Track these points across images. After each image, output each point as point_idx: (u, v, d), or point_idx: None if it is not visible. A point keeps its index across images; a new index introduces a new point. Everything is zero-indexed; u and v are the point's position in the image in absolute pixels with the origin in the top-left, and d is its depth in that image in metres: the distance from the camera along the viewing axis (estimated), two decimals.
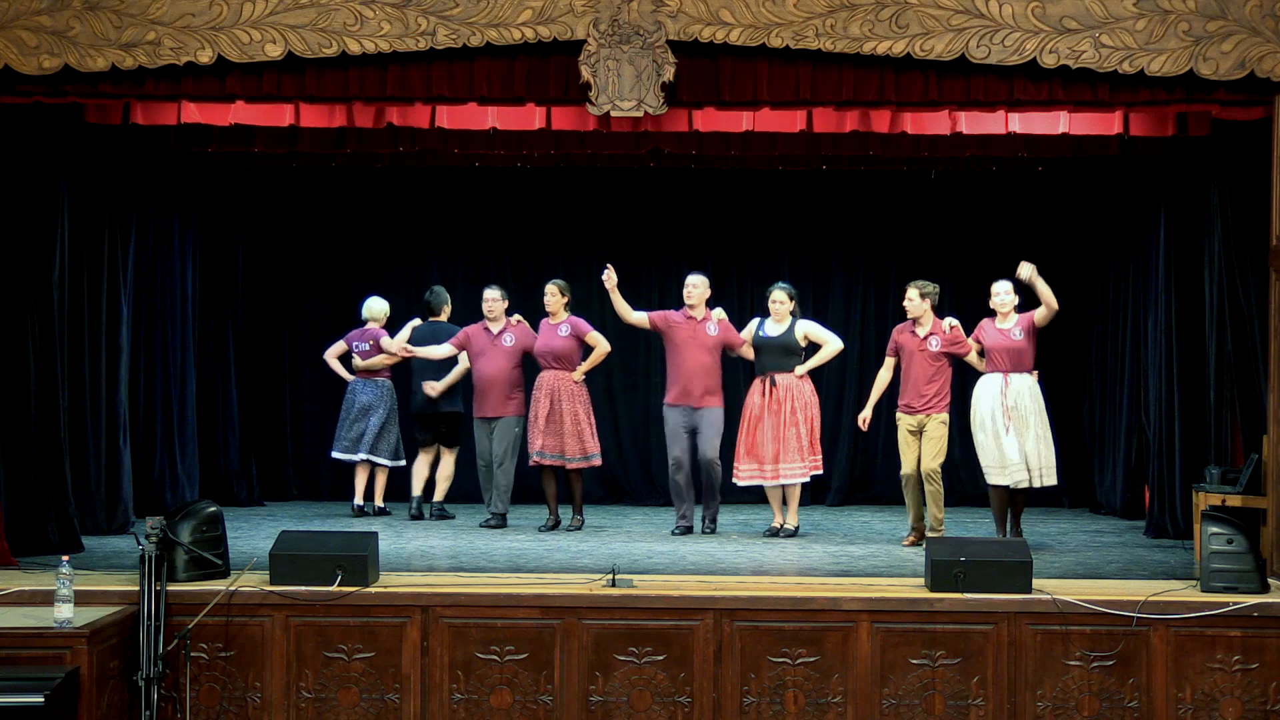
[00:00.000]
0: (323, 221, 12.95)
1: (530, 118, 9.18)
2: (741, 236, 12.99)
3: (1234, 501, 8.90)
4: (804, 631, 7.36)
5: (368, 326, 11.76)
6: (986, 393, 9.51)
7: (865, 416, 10.05)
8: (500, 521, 10.61)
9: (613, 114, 8.38)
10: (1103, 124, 9.21)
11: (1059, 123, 9.20)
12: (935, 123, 9.38)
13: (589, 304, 12.04)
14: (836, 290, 12.99)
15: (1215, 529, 7.57)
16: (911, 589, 7.62)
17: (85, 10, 8.22)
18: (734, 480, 10.24)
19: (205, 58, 8.25)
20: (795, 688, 7.35)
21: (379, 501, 11.65)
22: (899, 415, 9.79)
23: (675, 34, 8.27)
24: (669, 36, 8.27)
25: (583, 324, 10.69)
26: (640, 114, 8.39)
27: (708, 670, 7.36)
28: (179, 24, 8.24)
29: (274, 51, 8.25)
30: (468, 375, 11.07)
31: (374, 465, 11.62)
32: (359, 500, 11.63)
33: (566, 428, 10.45)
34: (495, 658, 7.39)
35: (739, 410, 10.36)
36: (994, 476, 9.49)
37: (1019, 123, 9.23)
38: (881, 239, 12.95)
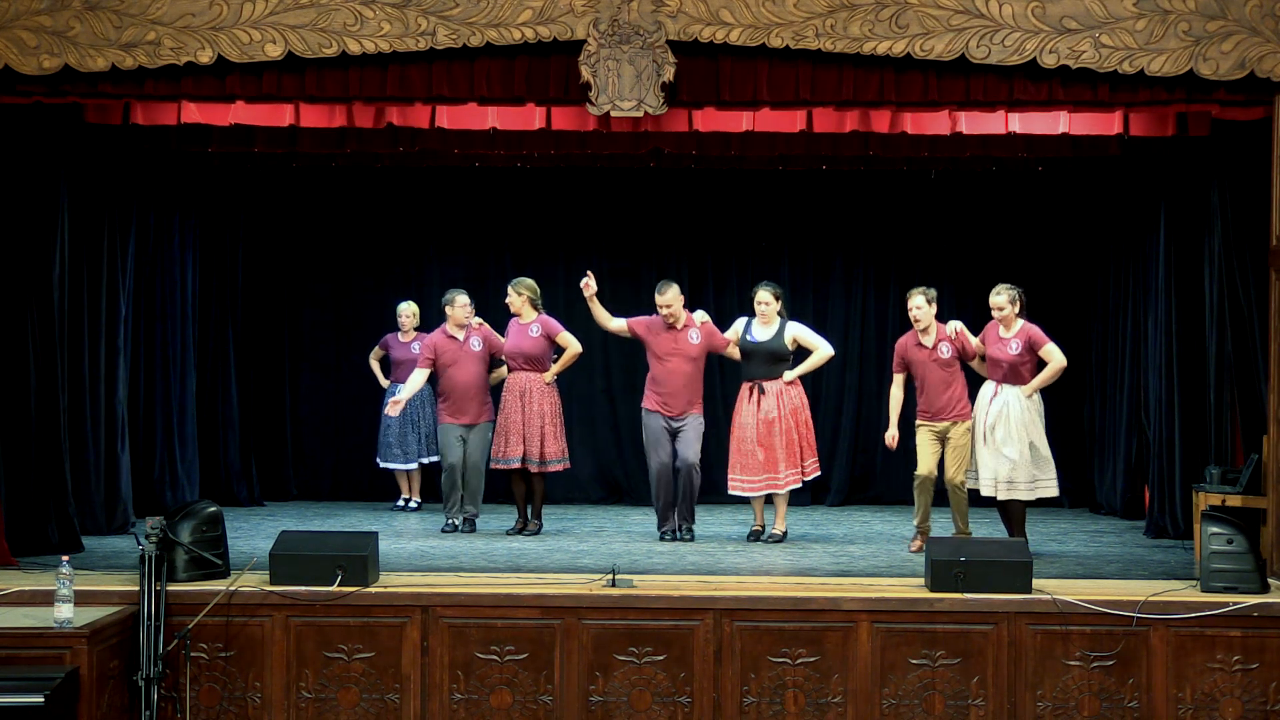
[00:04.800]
0: (323, 222, 12.94)
1: (530, 118, 9.17)
2: (742, 237, 12.98)
3: (1234, 501, 8.89)
4: (804, 631, 7.37)
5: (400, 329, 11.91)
6: (980, 401, 9.38)
7: (893, 435, 9.63)
8: (471, 526, 10.42)
9: (613, 114, 8.37)
10: (1103, 124, 9.20)
11: (1059, 123, 9.19)
12: (935, 123, 9.37)
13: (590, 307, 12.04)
14: (836, 290, 12.98)
15: (1215, 529, 7.58)
16: (911, 589, 7.63)
17: (85, 10, 8.22)
18: (730, 490, 9.95)
19: (205, 58, 8.25)
20: (795, 688, 7.35)
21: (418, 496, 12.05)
22: (921, 423, 9.47)
23: (675, 34, 8.27)
24: (669, 36, 8.27)
25: (553, 323, 10.42)
26: (640, 114, 8.39)
27: (708, 670, 7.36)
28: (179, 24, 8.24)
29: (274, 51, 8.25)
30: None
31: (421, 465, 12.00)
32: (416, 500, 11.99)
33: (532, 431, 10.23)
34: (495, 658, 7.39)
35: (724, 416, 10.04)
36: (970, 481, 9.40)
37: (1019, 123, 9.21)
38: (881, 239, 12.94)
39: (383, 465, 12.06)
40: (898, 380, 9.68)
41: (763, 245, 12.85)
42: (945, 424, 9.39)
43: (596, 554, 9.25)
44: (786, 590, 7.63)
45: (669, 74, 8.29)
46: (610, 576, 7.66)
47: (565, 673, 7.38)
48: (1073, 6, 8.19)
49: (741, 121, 9.22)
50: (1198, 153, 9.75)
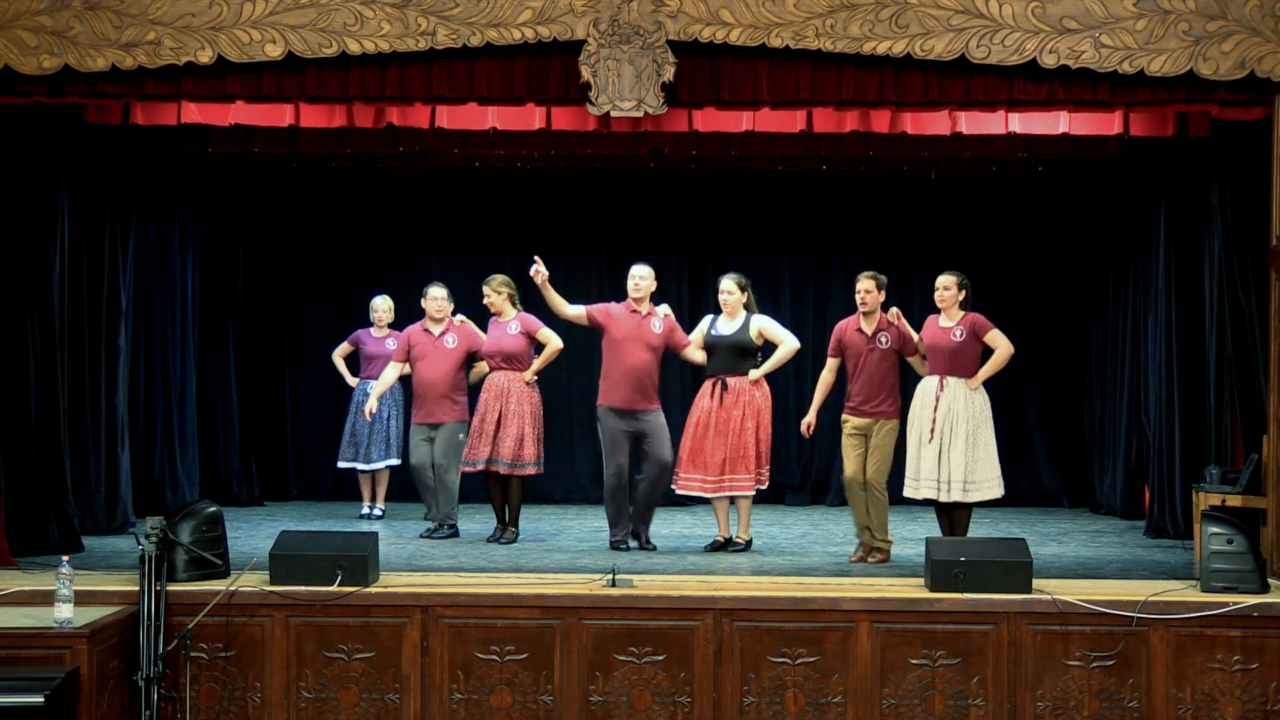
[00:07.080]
0: (323, 221, 12.95)
1: (530, 118, 9.18)
2: (741, 236, 12.98)
3: (1234, 501, 8.90)
4: (804, 631, 7.36)
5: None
6: (920, 397, 8.98)
7: (809, 422, 9.31)
8: (453, 531, 10.10)
9: (613, 114, 8.37)
10: (1103, 124, 9.20)
11: (1059, 123, 9.19)
12: (935, 123, 9.38)
13: (589, 302, 12.02)
14: (837, 291, 12.96)
15: (1215, 529, 7.58)
16: (911, 589, 7.62)
17: (85, 10, 8.23)
18: (673, 487, 9.55)
19: (205, 58, 8.25)
20: (795, 688, 7.35)
21: (382, 504, 11.67)
22: (845, 417, 9.12)
23: (675, 34, 8.27)
24: (669, 36, 8.27)
25: (533, 320, 10.06)
26: (640, 114, 8.38)
27: (708, 670, 7.36)
28: (179, 24, 8.24)
29: (274, 51, 8.26)
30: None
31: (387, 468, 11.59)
32: (380, 509, 11.57)
33: (507, 431, 9.78)
34: (495, 658, 7.39)
35: (681, 413, 9.81)
36: (906, 487, 8.98)
37: (1019, 123, 9.22)
38: (881, 239, 12.94)
39: (340, 465, 11.67)
40: (830, 365, 9.30)
41: (750, 261, 12.73)
42: (869, 420, 8.99)
43: (596, 554, 9.24)
44: (786, 590, 7.63)
45: (669, 74, 8.29)
46: (610, 576, 7.66)
47: (565, 673, 7.38)
48: (1073, 6, 8.19)
49: (741, 121, 9.23)
50: (1198, 153, 9.75)
